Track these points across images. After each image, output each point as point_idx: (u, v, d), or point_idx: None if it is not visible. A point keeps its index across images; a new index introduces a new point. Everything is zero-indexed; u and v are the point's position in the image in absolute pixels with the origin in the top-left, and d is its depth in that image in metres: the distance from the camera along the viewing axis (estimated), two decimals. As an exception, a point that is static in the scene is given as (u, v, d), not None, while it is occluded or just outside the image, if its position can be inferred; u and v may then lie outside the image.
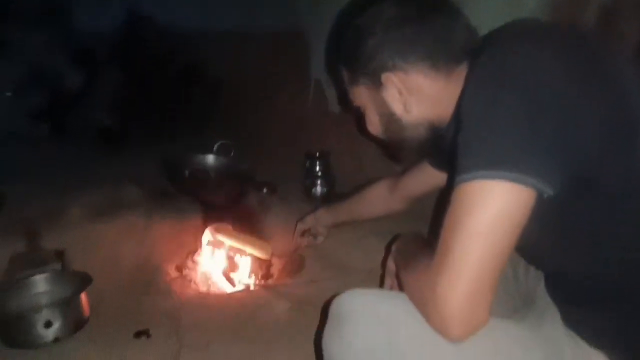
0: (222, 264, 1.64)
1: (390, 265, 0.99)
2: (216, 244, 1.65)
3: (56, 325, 1.18)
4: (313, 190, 1.98)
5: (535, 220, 0.60)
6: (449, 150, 0.71)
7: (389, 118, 0.85)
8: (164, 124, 2.80)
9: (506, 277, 0.94)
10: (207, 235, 1.66)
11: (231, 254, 1.65)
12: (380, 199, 1.37)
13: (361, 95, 0.87)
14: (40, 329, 1.17)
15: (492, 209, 0.58)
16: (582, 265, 0.69)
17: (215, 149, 1.97)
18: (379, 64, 0.79)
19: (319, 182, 1.99)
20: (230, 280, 1.61)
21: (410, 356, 0.66)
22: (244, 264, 1.67)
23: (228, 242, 1.64)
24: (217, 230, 1.65)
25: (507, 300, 0.91)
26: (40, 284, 1.32)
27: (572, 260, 0.70)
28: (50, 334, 1.18)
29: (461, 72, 0.76)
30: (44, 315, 1.17)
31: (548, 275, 0.81)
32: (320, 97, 2.31)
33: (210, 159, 1.96)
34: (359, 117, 0.94)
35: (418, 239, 0.90)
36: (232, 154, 1.98)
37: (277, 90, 2.48)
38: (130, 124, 2.88)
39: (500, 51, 0.65)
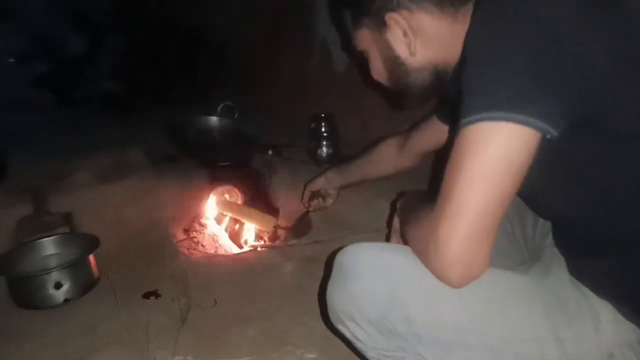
0: (228, 227, 1.65)
1: (395, 223, 0.98)
2: (221, 212, 1.66)
3: (66, 286, 1.21)
4: (318, 151, 1.95)
5: (542, 164, 0.59)
6: (455, 95, 0.68)
7: (393, 62, 0.81)
8: (169, 88, 2.77)
9: (513, 231, 0.93)
10: (212, 202, 1.67)
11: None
12: (389, 157, 1.35)
13: (365, 38, 0.83)
14: (50, 290, 1.19)
15: (494, 152, 0.57)
16: (587, 211, 0.67)
17: (218, 110, 1.94)
18: (383, 4, 0.75)
19: (324, 143, 1.96)
20: (237, 243, 1.62)
21: (411, 306, 0.67)
22: (251, 226, 1.68)
23: (230, 214, 1.65)
24: (220, 203, 1.66)
25: (513, 253, 0.91)
26: (49, 246, 1.34)
27: (578, 206, 0.68)
28: (60, 295, 1.21)
29: (467, 12, 0.72)
30: (54, 276, 1.19)
31: (555, 224, 0.79)
32: (325, 57, 2.25)
33: (214, 120, 1.94)
34: (363, 64, 0.90)
35: (421, 195, 0.89)
36: (235, 115, 1.95)
37: (281, 50, 2.42)
38: (135, 89, 2.85)
39: None
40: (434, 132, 1.17)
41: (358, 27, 0.83)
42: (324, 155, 1.97)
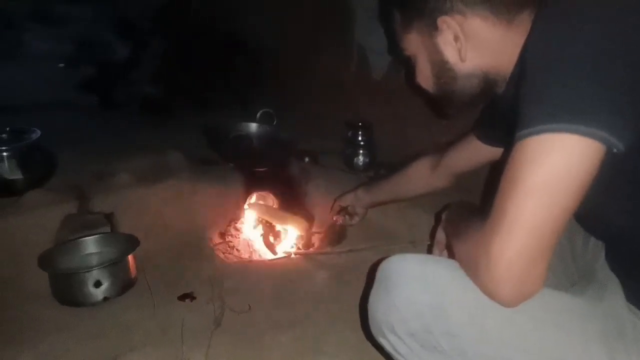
0: (263, 232, 1.65)
1: (440, 235, 0.96)
2: (256, 218, 1.67)
3: (105, 285, 1.23)
4: (355, 160, 1.94)
5: (602, 178, 0.55)
6: (508, 111, 0.65)
7: (441, 66, 0.80)
8: (207, 92, 2.82)
9: (563, 250, 0.88)
10: (248, 206, 1.68)
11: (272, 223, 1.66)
12: (422, 176, 1.30)
13: (414, 42, 0.82)
14: (90, 288, 1.22)
15: (554, 165, 0.54)
16: None
17: (258, 117, 1.96)
18: (436, 6, 0.74)
19: (360, 152, 1.95)
20: (272, 249, 1.62)
21: (455, 320, 0.64)
22: (286, 233, 1.68)
23: (265, 217, 1.65)
24: (255, 207, 1.66)
25: (564, 274, 0.86)
26: (91, 245, 1.37)
27: (638, 226, 0.64)
28: (99, 293, 1.23)
29: (524, 20, 0.70)
30: (94, 275, 1.22)
31: (609, 244, 0.75)
32: (363, 64, 2.24)
33: (253, 127, 1.96)
34: (408, 70, 0.89)
35: (469, 207, 0.86)
36: (274, 122, 1.96)
37: (319, 57, 2.43)
38: (174, 93, 2.91)
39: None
40: (472, 153, 1.14)
41: (408, 30, 0.81)
42: (360, 163, 1.95)
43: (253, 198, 1.71)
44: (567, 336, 0.63)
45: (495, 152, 1.09)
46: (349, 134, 2.00)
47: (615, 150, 0.54)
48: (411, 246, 1.51)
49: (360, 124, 1.99)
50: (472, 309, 0.64)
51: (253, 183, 1.74)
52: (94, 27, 4.52)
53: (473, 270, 0.63)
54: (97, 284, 1.21)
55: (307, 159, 1.97)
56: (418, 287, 0.67)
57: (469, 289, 0.63)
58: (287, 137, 1.89)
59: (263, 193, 1.75)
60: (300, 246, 1.65)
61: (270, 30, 2.76)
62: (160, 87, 2.99)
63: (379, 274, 0.74)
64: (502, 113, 0.85)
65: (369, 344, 1.07)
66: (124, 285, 1.28)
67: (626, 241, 0.69)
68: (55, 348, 1.10)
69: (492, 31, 0.72)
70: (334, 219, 1.56)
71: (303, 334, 1.17)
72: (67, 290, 1.23)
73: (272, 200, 1.75)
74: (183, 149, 1.90)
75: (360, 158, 1.95)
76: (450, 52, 0.77)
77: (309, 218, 1.69)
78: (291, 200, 1.76)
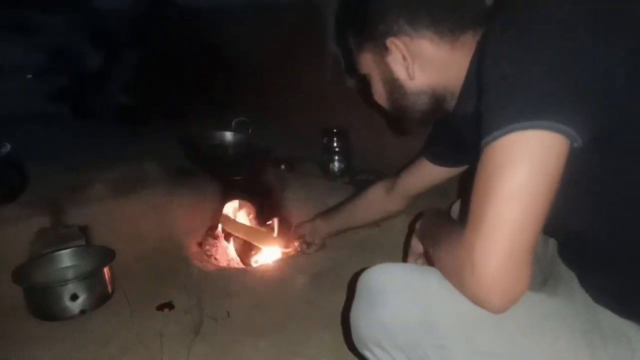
0: (236, 247, 1.67)
1: (414, 244, 0.96)
2: (227, 233, 1.68)
3: (82, 298, 1.23)
4: (330, 166, 1.98)
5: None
6: (460, 127, 0.69)
7: (392, 84, 0.85)
8: (184, 102, 2.82)
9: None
10: (221, 220, 1.69)
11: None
12: (377, 202, 1.34)
13: (367, 62, 0.87)
14: (67, 301, 1.21)
15: (526, 163, 0.55)
16: (598, 227, 0.66)
17: (233, 125, 1.97)
18: (385, 29, 0.79)
19: (336, 158, 1.98)
20: (245, 262, 1.64)
21: (446, 334, 0.64)
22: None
23: (235, 233, 1.67)
24: (224, 221, 1.68)
25: (535, 273, 0.89)
26: (66, 258, 1.36)
27: (590, 223, 0.67)
28: (76, 306, 1.23)
29: (467, 41, 0.75)
30: (70, 288, 1.21)
31: (565, 242, 0.78)
32: (338, 72, 2.28)
33: (228, 135, 1.97)
34: (365, 87, 0.94)
35: (443, 214, 0.87)
36: (249, 130, 1.98)
37: (295, 66, 2.46)
38: (150, 103, 2.90)
39: (519, 12, 0.62)
40: (424, 175, 1.18)
41: (361, 51, 0.87)
42: (336, 169, 1.99)
43: (226, 209, 1.72)
44: (555, 341, 0.64)
45: (447, 171, 1.15)
46: (325, 140, 2.03)
47: (575, 144, 0.56)
48: (388, 253, 1.52)
49: (335, 130, 2.02)
50: (461, 320, 0.64)
51: (229, 192, 1.76)
52: (67, 37, 4.46)
53: (458, 278, 0.62)
54: (74, 297, 1.21)
55: (283, 167, 1.99)
56: (404, 300, 0.67)
57: (456, 299, 0.62)
58: (262, 145, 1.91)
59: (240, 201, 1.76)
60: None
61: (247, 42, 2.78)
62: (135, 97, 2.98)
63: (361, 285, 0.72)
64: (452, 132, 0.89)
65: (339, 340, 1.11)
66: (100, 297, 1.28)
67: (579, 239, 0.72)
68: (31, 363, 1.09)
69: (437, 51, 0.78)
70: (291, 248, 1.58)
71: (282, 338, 1.19)
72: (43, 304, 1.23)
73: (247, 209, 1.77)
74: (159, 159, 1.90)
75: (336, 164, 1.99)
76: (399, 71, 0.82)
77: (279, 234, 1.70)
78: (267, 208, 1.78)
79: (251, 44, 2.74)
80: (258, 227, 1.71)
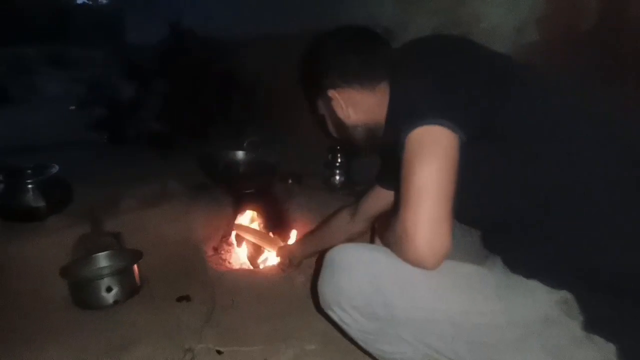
0: (247, 250, 1.90)
1: (376, 241, 1.17)
2: (239, 237, 1.91)
3: (115, 290, 1.48)
4: (332, 179, 2.19)
5: (460, 176, 0.79)
6: (389, 151, 0.93)
7: (336, 122, 1.12)
8: (205, 126, 3.09)
9: (469, 233, 1.10)
10: (235, 226, 1.92)
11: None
12: (342, 226, 1.52)
13: (320, 106, 1.16)
14: (103, 293, 1.46)
15: (432, 149, 0.79)
16: (503, 211, 0.87)
17: (245, 145, 2.23)
18: (325, 83, 1.07)
19: (337, 172, 2.20)
20: (255, 265, 1.86)
21: (390, 294, 0.84)
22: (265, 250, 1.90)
23: (246, 237, 1.89)
24: (238, 228, 1.91)
25: (475, 254, 1.07)
26: (102, 259, 1.62)
27: (497, 209, 0.88)
28: (110, 297, 1.48)
29: (383, 87, 1.01)
30: (106, 282, 1.46)
31: (484, 230, 0.99)
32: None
33: (241, 154, 2.22)
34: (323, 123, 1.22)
35: (389, 214, 1.08)
36: (259, 149, 2.23)
37: (301, 90, 2.69)
38: (177, 128, 3.17)
39: (413, 59, 0.91)
40: (379, 198, 1.37)
41: (316, 98, 1.15)
42: (337, 182, 2.20)
43: (239, 219, 1.95)
44: (472, 294, 0.84)
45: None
46: (330, 156, 2.25)
47: (459, 135, 0.79)
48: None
49: (338, 147, 2.25)
50: (402, 283, 0.83)
51: (241, 203, 2.00)
52: (103, 70, 4.83)
53: (398, 247, 0.82)
54: (109, 289, 1.46)
55: (290, 181, 2.22)
56: (357, 270, 0.86)
57: (397, 267, 0.82)
58: (271, 161, 2.15)
59: (250, 212, 2.00)
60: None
61: (260, 68, 3.05)
62: (165, 123, 3.25)
63: (325, 260, 0.93)
64: (389, 158, 1.12)
65: (334, 331, 1.30)
66: (130, 290, 1.52)
67: (483, 223, 0.93)
68: (75, 342, 1.33)
69: (362, 96, 1.04)
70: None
71: (280, 325, 1.41)
72: (83, 295, 1.48)
73: (257, 218, 2.00)
74: (182, 177, 2.16)
75: (337, 178, 2.20)
76: (340, 112, 1.08)
77: (285, 236, 1.91)
78: (275, 218, 2.00)
79: (263, 71, 3.01)
80: (266, 233, 1.93)
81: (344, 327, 0.93)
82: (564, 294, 0.80)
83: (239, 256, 1.91)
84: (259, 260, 1.87)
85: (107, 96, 3.76)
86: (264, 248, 1.88)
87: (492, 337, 0.82)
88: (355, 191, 2.11)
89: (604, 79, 1.63)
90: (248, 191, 2.02)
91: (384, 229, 0.97)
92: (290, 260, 1.69)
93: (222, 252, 1.91)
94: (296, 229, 1.98)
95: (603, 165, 0.81)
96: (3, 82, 5.50)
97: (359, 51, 1.04)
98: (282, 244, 1.85)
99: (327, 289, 0.91)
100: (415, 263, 0.81)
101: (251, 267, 1.89)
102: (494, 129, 0.83)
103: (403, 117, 0.84)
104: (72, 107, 4.32)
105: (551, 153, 0.82)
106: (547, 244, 0.83)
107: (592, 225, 0.79)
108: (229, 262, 1.88)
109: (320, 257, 1.01)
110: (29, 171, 1.68)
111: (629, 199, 0.79)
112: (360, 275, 0.87)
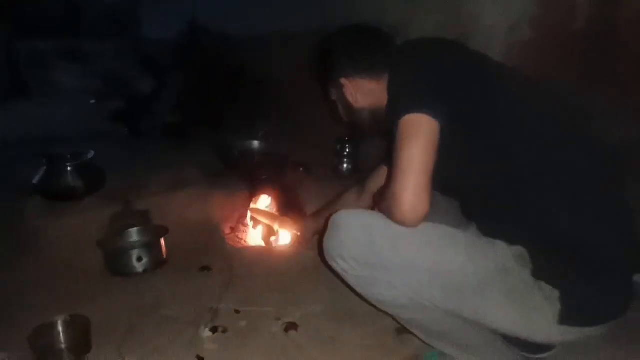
0: (261, 230, 2.07)
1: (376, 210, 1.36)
2: (255, 219, 2.09)
3: (145, 260, 1.66)
4: (339, 167, 2.37)
5: (442, 155, 0.98)
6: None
7: (346, 106, 1.31)
8: (218, 118, 3.25)
9: (451, 203, 1.29)
10: (249, 211, 2.09)
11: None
12: (351, 201, 1.67)
13: (333, 92, 1.34)
14: (134, 262, 1.65)
15: (415, 131, 0.97)
16: (477, 185, 1.07)
17: (259, 135, 2.41)
18: (337, 72, 1.27)
19: (345, 161, 2.37)
20: (268, 243, 2.03)
21: (382, 247, 1.01)
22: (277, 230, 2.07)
23: (261, 219, 2.06)
24: (254, 211, 2.08)
25: (455, 220, 1.25)
26: (133, 234, 1.80)
27: (472, 183, 1.07)
28: (140, 266, 1.66)
29: (386, 76, 1.19)
30: (136, 252, 1.65)
31: (462, 200, 1.18)
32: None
33: (255, 144, 2.40)
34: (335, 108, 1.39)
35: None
36: (272, 139, 2.41)
37: (312, 83, 2.85)
38: (192, 120, 3.34)
39: (406, 58, 1.10)
40: (383, 176, 1.51)
41: (329, 86, 1.33)
42: (344, 170, 2.38)
43: (254, 203, 2.12)
44: (444, 249, 1.02)
45: None
46: (338, 147, 2.43)
47: (438, 121, 0.97)
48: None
49: (346, 138, 2.42)
50: (392, 240, 1.01)
51: (255, 189, 2.17)
52: (120, 63, 4.95)
53: (388, 210, 1.00)
54: (139, 259, 1.64)
55: (301, 169, 2.39)
56: (356, 228, 1.04)
57: (390, 227, 1.00)
58: (283, 150, 2.32)
59: (263, 197, 2.17)
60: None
61: (271, 63, 3.22)
62: (180, 115, 3.41)
63: (330, 222, 1.10)
64: (390, 140, 1.30)
65: (336, 296, 1.49)
66: (158, 261, 1.71)
67: (461, 195, 1.11)
68: (109, 303, 1.51)
69: (369, 85, 1.24)
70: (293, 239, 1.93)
71: (290, 291, 1.59)
72: (117, 264, 1.67)
73: (271, 203, 2.17)
74: (199, 165, 2.34)
75: (344, 166, 2.38)
76: (349, 97, 1.27)
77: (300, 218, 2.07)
78: (286, 202, 2.18)
79: (274, 65, 3.17)
80: (279, 215, 2.10)
81: (344, 275, 1.10)
82: (519, 249, 1.00)
83: (253, 236, 2.09)
84: (272, 239, 2.05)
85: (125, 89, 3.92)
86: (277, 229, 2.06)
87: (460, 283, 1.01)
88: (361, 178, 2.26)
89: (594, 76, 1.79)
90: (261, 178, 2.19)
91: (380, 200, 1.15)
92: (303, 235, 1.86)
93: (239, 232, 2.09)
94: (307, 213, 2.15)
95: (556, 148, 1.00)
96: (23, 76, 5.70)
97: (368, 46, 1.24)
98: (294, 225, 2.02)
99: (331, 244, 1.08)
100: (401, 222, 0.99)
101: (265, 245, 2.06)
102: (469, 116, 1.02)
103: (396, 106, 1.03)
104: (93, 101, 4.50)
105: (515, 138, 1.01)
106: (509, 211, 1.03)
107: (544, 196, 0.99)
108: (245, 241, 2.06)
109: (325, 227, 1.17)
110: (68, 156, 1.88)
111: (574, 178, 0.99)
112: (358, 232, 1.04)
